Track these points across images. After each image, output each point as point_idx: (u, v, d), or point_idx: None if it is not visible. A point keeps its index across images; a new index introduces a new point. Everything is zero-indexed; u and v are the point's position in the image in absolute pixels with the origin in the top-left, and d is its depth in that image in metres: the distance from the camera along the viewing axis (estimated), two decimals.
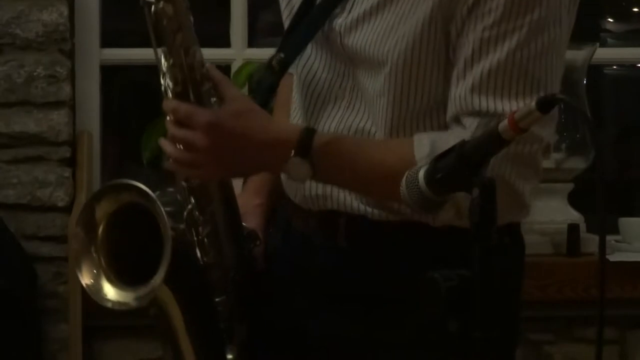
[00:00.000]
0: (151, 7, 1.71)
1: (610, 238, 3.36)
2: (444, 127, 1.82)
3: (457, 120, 1.76)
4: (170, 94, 1.72)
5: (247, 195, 2.04)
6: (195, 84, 1.74)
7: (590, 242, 3.29)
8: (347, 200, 1.81)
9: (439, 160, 1.38)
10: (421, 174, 1.39)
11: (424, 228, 1.75)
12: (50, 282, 3.26)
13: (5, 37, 3.37)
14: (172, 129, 1.69)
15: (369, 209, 1.82)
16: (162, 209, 1.71)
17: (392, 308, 1.76)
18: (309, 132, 1.71)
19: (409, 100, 1.80)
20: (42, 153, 3.33)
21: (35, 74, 3.35)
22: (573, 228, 3.26)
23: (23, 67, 3.36)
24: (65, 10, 3.42)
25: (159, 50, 1.75)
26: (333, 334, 1.78)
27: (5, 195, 3.28)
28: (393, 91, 1.78)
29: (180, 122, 1.68)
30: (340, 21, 1.78)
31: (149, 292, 1.71)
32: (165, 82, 1.74)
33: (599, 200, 2.14)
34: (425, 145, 1.72)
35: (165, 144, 1.72)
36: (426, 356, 1.76)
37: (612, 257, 3.15)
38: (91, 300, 3.04)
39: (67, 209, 3.29)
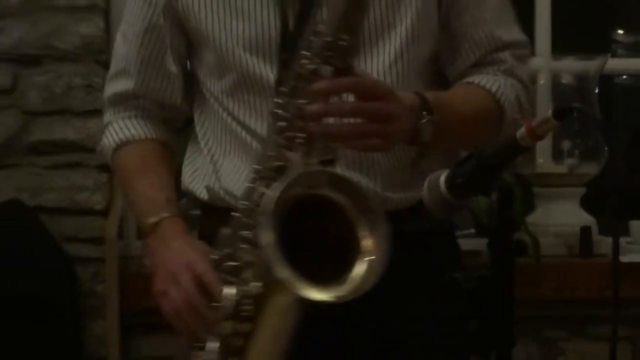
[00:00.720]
0: None
1: (621, 240, 3.18)
2: (433, 75, 1.99)
3: (487, 62, 1.93)
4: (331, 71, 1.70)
5: (176, 231, 2.02)
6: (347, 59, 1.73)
7: (602, 244, 3.32)
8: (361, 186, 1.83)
9: (459, 166, 1.44)
10: (442, 179, 1.45)
11: (421, 209, 1.67)
12: (89, 282, 3.30)
13: (44, 49, 3.40)
14: (358, 104, 1.66)
15: (380, 191, 1.87)
16: (360, 202, 1.70)
17: (414, 305, 1.85)
18: (421, 95, 1.74)
19: (415, 54, 1.89)
20: (80, 159, 3.36)
21: (73, 84, 3.37)
22: (585, 230, 3.32)
23: (61, 78, 3.38)
24: (101, 23, 3.47)
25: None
26: (359, 327, 1.79)
27: (46, 199, 3.32)
28: (403, 45, 1.88)
29: (366, 95, 1.67)
30: None
31: (349, 291, 1.67)
32: (306, 65, 1.73)
33: (610, 205, 2.30)
34: (506, 95, 1.88)
35: (333, 123, 1.70)
36: (446, 354, 1.87)
37: (624, 258, 3.10)
38: (127, 298, 3.27)
39: (104, 213, 3.33)
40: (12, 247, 3.16)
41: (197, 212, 2.11)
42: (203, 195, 2.00)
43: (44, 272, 3.19)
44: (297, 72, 1.71)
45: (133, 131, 2.03)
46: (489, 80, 1.89)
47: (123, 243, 3.40)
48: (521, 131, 1.29)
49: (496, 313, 1.46)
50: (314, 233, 1.70)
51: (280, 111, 1.71)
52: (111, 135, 2.05)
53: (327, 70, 1.65)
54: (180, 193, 2.09)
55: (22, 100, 3.39)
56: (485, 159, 1.40)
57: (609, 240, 3.18)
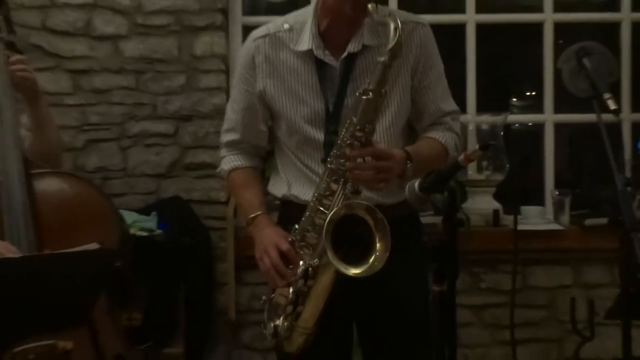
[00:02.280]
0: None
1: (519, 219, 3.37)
2: (407, 128, 2.22)
3: (437, 123, 2.18)
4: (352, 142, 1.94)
5: (267, 222, 2.21)
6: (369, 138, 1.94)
7: (505, 220, 3.60)
8: (373, 198, 2.03)
9: (426, 177, 1.80)
10: (416, 185, 1.81)
11: (406, 207, 2.02)
12: (217, 241, 3.61)
13: (193, 112, 3.72)
14: (374, 163, 1.92)
15: (382, 200, 2.07)
16: (377, 222, 1.94)
17: (398, 256, 1.96)
18: (406, 151, 2.03)
19: (400, 123, 2.17)
20: (213, 173, 3.48)
21: (209, 131, 3.71)
22: (496, 212, 3.63)
23: (203, 127, 3.70)
24: (225, 97, 3.70)
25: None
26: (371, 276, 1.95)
27: (194, 195, 3.64)
28: (394, 117, 2.14)
29: (379, 158, 1.92)
30: None
31: (369, 268, 1.92)
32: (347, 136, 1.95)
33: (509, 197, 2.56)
34: (448, 142, 2.16)
35: (360, 172, 1.93)
36: (420, 277, 2.15)
37: (518, 227, 3.31)
38: (237, 250, 3.51)
39: (225, 203, 3.62)
40: (177, 222, 3.49)
41: (277, 202, 2.38)
42: (280, 196, 2.27)
43: (194, 235, 3.54)
44: (340, 144, 1.97)
45: (239, 162, 2.30)
46: (439, 135, 2.18)
47: (236, 220, 3.56)
48: (461, 157, 1.70)
49: (447, 259, 1.76)
50: (349, 236, 1.94)
51: (330, 163, 2.00)
52: (226, 163, 2.33)
53: (356, 144, 1.93)
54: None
55: (181, 140, 3.68)
56: (440, 173, 1.77)
57: (510, 217, 3.47)
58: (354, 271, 1.89)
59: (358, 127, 1.93)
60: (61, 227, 2.53)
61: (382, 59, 1.93)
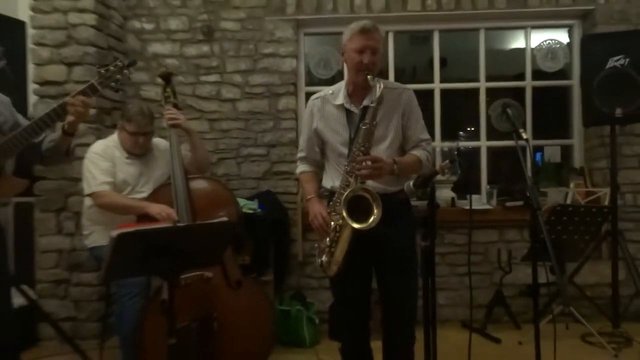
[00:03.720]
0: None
1: (465, 202, 3.56)
2: (400, 149, 2.09)
3: (417, 146, 2.09)
4: (359, 153, 1.90)
5: (316, 200, 2.13)
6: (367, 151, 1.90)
7: (458, 203, 3.54)
8: (377, 187, 1.94)
9: (416, 179, 1.88)
10: (410, 183, 1.89)
11: (402, 194, 2.01)
12: (292, 214, 3.53)
13: (274, 142, 3.62)
14: (369, 163, 1.87)
15: (383, 188, 1.98)
16: (374, 198, 1.85)
17: (396, 223, 1.99)
18: (394, 159, 1.97)
19: (394, 146, 2.06)
20: (289, 176, 3.61)
21: (287, 152, 3.62)
22: (453, 199, 3.57)
23: (281, 151, 3.62)
24: (295, 128, 3.66)
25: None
26: (381, 233, 1.90)
27: (276, 188, 3.59)
28: (391, 142, 2.04)
29: (372, 161, 1.88)
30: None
31: (369, 224, 1.85)
32: (356, 150, 1.92)
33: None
34: (422, 157, 2.07)
35: (361, 170, 1.88)
36: (411, 235, 2.06)
37: (465, 207, 3.46)
38: (303, 221, 3.43)
39: (296, 194, 3.56)
40: (269, 205, 3.42)
41: (326, 193, 2.24)
42: (328, 187, 2.16)
43: (278, 212, 3.48)
44: (352, 155, 1.94)
45: (305, 169, 2.24)
46: (417, 152, 2.08)
47: (301, 203, 3.45)
48: (437, 168, 1.83)
49: (429, 226, 1.80)
50: (358, 206, 1.88)
51: (347, 166, 1.97)
52: (299, 169, 2.27)
53: (360, 155, 1.90)
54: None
55: (270, 158, 3.62)
56: (425, 176, 1.86)
57: (461, 202, 3.54)
58: (358, 226, 1.85)
59: (361, 145, 1.90)
60: (205, 208, 2.58)
61: (372, 105, 1.91)
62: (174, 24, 3.69)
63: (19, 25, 3.05)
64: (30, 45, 3.25)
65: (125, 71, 2.01)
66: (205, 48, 3.67)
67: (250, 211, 3.25)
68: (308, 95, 3.70)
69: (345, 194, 1.86)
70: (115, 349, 2.85)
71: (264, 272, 3.25)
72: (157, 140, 2.86)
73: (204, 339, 2.32)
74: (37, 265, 3.35)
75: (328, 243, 1.95)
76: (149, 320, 2.38)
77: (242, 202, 3.25)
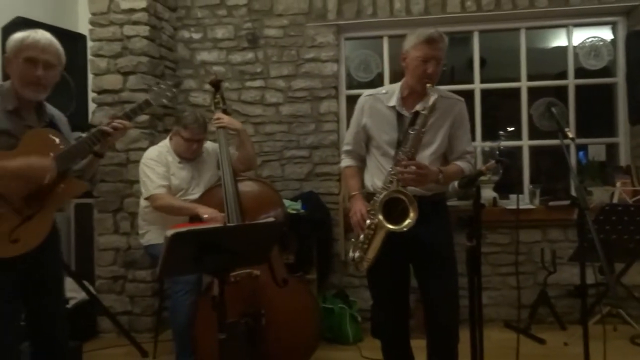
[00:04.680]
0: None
1: (507, 202, 3.49)
2: (443, 157, 2.08)
3: (461, 157, 2.07)
4: (405, 157, 1.88)
5: (359, 197, 2.09)
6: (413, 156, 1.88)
7: (500, 203, 3.47)
8: (414, 190, 1.92)
9: (462, 180, 1.91)
10: (455, 183, 1.98)
11: (439, 195, 2.03)
12: (334, 215, 3.52)
13: (317, 144, 3.63)
14: (414, 169, 1.86)
15: (421, 191, 1.96)
16: (411, 201, 1.84)
17: (432, 222, 1.96)
18: (439, 168, 1.97)
19: (439, 153, 2.05)
20: (331, 178, 3.62)
21: (329, 153, 3.62)
22: (494, 198, 3.48)
23: (325, 152, 3.64)
24: (336, 130, 3.63)
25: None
26: (416, 233, 1.87)
27: (319, 189, 3.59)
28: (436, 149, 2.02)
29: (418, 167, 1.87)
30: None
31: (401, 227, 1.84)
32: (402, 154, 1.90)
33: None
34: (466, 169, 2.06)
35: (404, 175, 1.87)
36: (448, 233, 2.05)
37: (508, 207, 3.37)
38: (345, 221, 3.28)
39: (337, 194, 3.56)
40: (311, 205, 3.40)
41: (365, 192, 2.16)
42: (368, 187, 2.12)
43: (321, 212, 3.46)
44: (398, 158, 1.92)
45: (350, 163, 2.20)
46: (461, 164, 2.06)
47: (343, 204, 3.41)
48: (482, 168, 1.81)
49: (475, 226, 1.79)
50: (394, 208, 1.86)
51: (391, 168, 1.93)
52: (343, 163, 2.22)
53: (406, 159, 1.88)
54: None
55: (313, 160, 3.62)
56: (470, 177, 1.87)
57: (503, 201, 3.47)
58: (392, 227, 1.83)
59: (407, 150, 1.89)
60: (253, 209, 2.62)
61: (424, 112, 1.88)
62: (220, 32, 3.75)
63: (80, 38, 3.17)
64: (89, 56, 3.37)
65: (174, 90, 2.10)
66: (250, 55, 3.72)
67: (294, 211, 3.26)
68: (349, 98, 3.71)
69: (382, 195, 1.85)
70: (168, 342, 2.94)
71: (307, 271, 3.26)
72: (206, 144, 2.91)
73: (253, 334, 2.34)
74: (96, 262, 3.47)
75: (362, 240, 1.94)
76: (200, 315, 2.43)
77: (286, 202, 3.23)
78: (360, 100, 2.17)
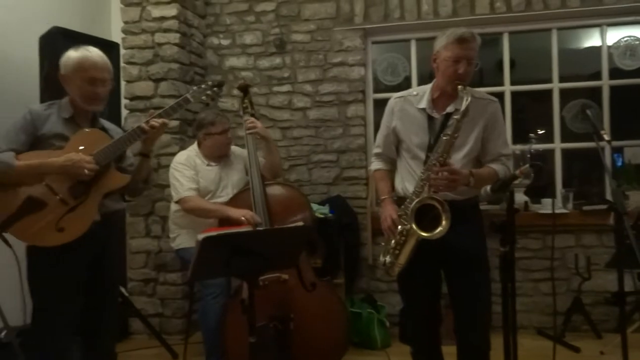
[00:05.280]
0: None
1: (539, 206, 3.44)
2: (476, 160, 2.02)
3: (496, 160, 2.01)
4: (437, 163, 1.86)
5: (390, 202, 2.07)
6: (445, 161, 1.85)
7: (531, 207, 3.38)
8: (446, 195, 1.89)
9: (494, 184, 1.83)
10: (487, 187, 1.86)
11: (472, 200, 1.99)
12: (361, 219, 3.51)
13: (344, 149, 3.60)
14: (445, 174, 1.84)
15: (452, 196, 1.91)
16: (444, 209, 1.82)
17: (465, 226, 1.91)
18: (470, 171, 1.92)
19: (472, 155, 2.00)
20: (359, 182, 3.59)
21: (356, 157, 3.60)
22: (526, 202, 3.37)
23: (351, 156, 3.60)
24: (364, 135, 3.61)
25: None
26: (449, 237, 1.84)
27: (346, 193, 3.56)
28: (468, 152, 1.98)
29: (451, 173, 1.85)
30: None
31: (434, 235, 1.82)
32: (433, 159, 1.86)
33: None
34: (500, 172, 1.99)
35: (436, 181, 1.85)
36: (481, 238, 1.99)
37: (540, 212, 3.32)
38: (374, 223, 3.27)
39: (365, 198, 3.55)
40: (339, 209, 3.40)
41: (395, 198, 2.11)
42: (398, 191, 2.09)
43: (348, 216, 3.46)
44: (430, 164, 1.89)
45: (380, 166, 2.18)
46: (496, 166, 2.00)
47: (371, 208, 3.49)
48: (517, 172, 1.72)
49: (508, 231, 1.70)
50: (426, 214, 1.85)
51: (423, 173, 1.91)
52: (373, 165, 2.20)
53: (438, 165, 1.85)
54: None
55: (340, 164, 3.61)
56: (503, 181, 1.78)
57: (534, 205, 3.38)
58: (424, 234, 1.82)
59: (439, 154, 1.85)
60: (281, 213, 2.61)
61: (456, 117, 1.85)
62: (248, 38, 3.78)
63: (113, 46, 3.25)
64: (122, 64, 3.45)
65: (215, 89, 2.16)
66: (277, 60, 3.74)
67: (322, 216, 3.25)
68: (376, 101, 3.69)
69: (414, 202, 1.82)
70: (198, 345, 2.96)
71: (335, 275, 3.25)
72: (232, 148, 2.95)
73: (282, 338, 2.34)
74: (128, 265, 3.53)
75: (393, 245, 1.92)
76: (229, 318, 2.45)
77: (314, 207, 3.24)
78: (390, 102, 2.15)
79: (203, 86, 2.18)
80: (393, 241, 1.92)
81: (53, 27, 2.90)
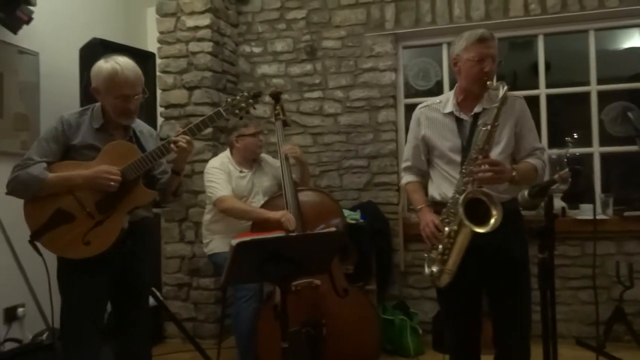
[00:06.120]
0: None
1: (577, 211, 3.33)
2: (508, 158, 1.97)
3: (531, 154, 1.98)
4: (478, 156, 1.81)
5: (428, 210, 2.03)
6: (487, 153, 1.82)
7: (569, 213, 3.31)
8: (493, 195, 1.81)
9: (532, 188, 1.71)
10: (525, 192, 1.73)
11: (513, 203, 1.90)
12: (393, 225, 3.48)
13: (376, 153, 3.58)
14: (489, 167, 1.79)
15: (496, 195, 1.83)
16: (492, 200, 1.77)
17: (508, 232, 1.82)
18: (512, 166, 1.90)
19: (507, 152, 1.96)
20: (391, 187, 3.57)
21: (387, 163, 3.58)
22: (563, 208, 3.31)
23: (382, 162, 3.58)
24: (395, 139, 3.59)
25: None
26: (491, 243, 1.80)
27: (377, 199, 3.53)
28: (503, 148, 1.94)
29: (493, 164, 1.80)
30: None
31: (491, 227, 1.75)
32: (474, 153, 1.83)
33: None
34: (538, 165, 1.97)
35: (483, 174, 1.80)
36: (523, 243, 1.94)
37: (577, 217, 3.24)
38: (406, 230, 3.27)
39: (396, 204, 3.49)
40: (370, 215, 3.38)
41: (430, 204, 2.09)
42: (435, 197, 2.06)
43: (380, 222, 3.43)
44: (470, 158, 1.85)
45: (411, 179, 2.14)
46: (532, 160, 1.98)
47: (402, 213, 3.49)
48: (556, 176, 1.64)
49: (547, 237, 1.61)
50: (476, 209, 1.79)
51: (464, 169, 1.87)
52: (404, 179, 2.16)
53: (478, 159, 1.81)
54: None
55: (371, 169, 3.59)
56: (542, 185, 1.68)
57: (572, 211, 3.29)
58: (481, 230, 1.74)
59: (480, 147, 1.82)
60: (313, 218, 2.63)
61: (496, 104, 1.81)
62: (279, 46, 3.81)
63: (150, 56, 3.33)
64: (157, 73, 3.51)
65: (250, 101, 2.07)
66: (308, 66, 3.76)
67: (353, 221, 3.24)
68: (407, 106, 3.66)
69: (463, 195, 1.78)
70: (231, 349, 2.98)
71: (367, 281, 3.23)
72: (264, 155, 3.00)
73: (314, 344, 2.33)
74: (163, 269, 3.59)
75: (441, 251, 1.87)
76: (262, 323, 2.46)
77: (345, 212, 3.23)
78: (415, 113, 2.14)
79: (238, 97, 2.08)
80: (440, 246, 1.88)
81: (93, 38, 2.99)
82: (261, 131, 2.91)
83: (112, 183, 1.85)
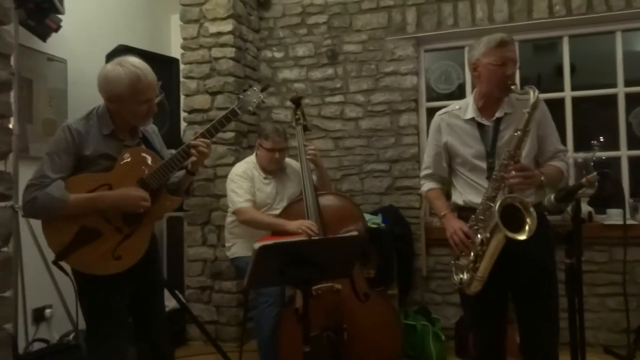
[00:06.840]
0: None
1: (604, 217, 3.29)
2: (532, 162, 1.95)
3: (554, 157, 1.98)
4: (509, 162, 1.81)
5: (452, 216, 2.01)
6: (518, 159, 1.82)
7: (595, 218, 3.26)
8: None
9: (558, 192, 1.66)
10: (552, 196, 1.69)
11: (540, 207, 1.84)
12: (415, 230, 3.45)
13: (398, 157, 3.55)
14: (521, 173, 1.79)
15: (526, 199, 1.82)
16: (528, 209, 1.75)
17: (535, 238, 1.76)
18: (540, 170, 1.90)
19: (531, 156, 1.95)
20: (414, 192, 3.53)
21: (409, 167, 3.55)
22: (590, 213, 3.24)
23: (403, 166, 3.56)
24: (417, 144, 3.56)
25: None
26: (519, 249, 1.78)
27: (399, 203, 3.52)
28: (527, 152, 1.91)
29: (524, 169, 1.80)
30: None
31: (527, 233, 1.74)
32: (505, 159, 1.82)
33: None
34: (563, 168, 1.97)
35: (514, 180, 1.79)
36: (550, 250, 1.94)
37: (606, 223, 3.19)
38: (428, 234, 3.38)
39: (418, 208, 3.49)
40: (392, 219, 3.34)
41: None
42: (459, 203, 2.06)
43: (401, 226, 3.41)
44: (501, 164, 1.84)
45: (432, 186, 2.13)
46: (557, 163, 1.98)
47: (424, 218, 3.45)
48: (584, 180, 1.61)
49: (574, 242, 1.60)
50: (511, 216, 1.77)
51: (495, 175, 1.85)
52: (425, 187, 2.16)
53: (510, 165, 1.81)
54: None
55: (392, 174, 3.56)
56: (569, 189, 1.64)
57: (598, 216, 3.24)
58: (519, 237, 1.72)
59: (512, 153, 1.82)
60: (335, 223, 2.62)
61: (527, 110, 1.80)
62: (301, 50, 3.82)
63: (173, 62, 3.37)
64: (181, 78, 3.57)
65: (260, 95, 2.04)
66: (329, 71, 3.76)
67: (375, 226, 3.21)
68: (429, 110, 3.63)
69: (499, 203, 1.75)
70: (253, 353, 2.98)
71: (388, 286, 3.19)
72: (288, 160, 2.99)
73: (335, 348, 2.32)
74: (185, 272, 3.62)
75: (472, 258, 1.84)
76: (283, 327, 2.45)
77: (366, 216, 3.21)
78: (435, 120, 2.12)
79: (248, 92, 2.04)
80: (472, 254, 1.85)
81: (118, 45, 3.05)
82: (281, 149, 2.83)
83: (142, 210, 1.82)
